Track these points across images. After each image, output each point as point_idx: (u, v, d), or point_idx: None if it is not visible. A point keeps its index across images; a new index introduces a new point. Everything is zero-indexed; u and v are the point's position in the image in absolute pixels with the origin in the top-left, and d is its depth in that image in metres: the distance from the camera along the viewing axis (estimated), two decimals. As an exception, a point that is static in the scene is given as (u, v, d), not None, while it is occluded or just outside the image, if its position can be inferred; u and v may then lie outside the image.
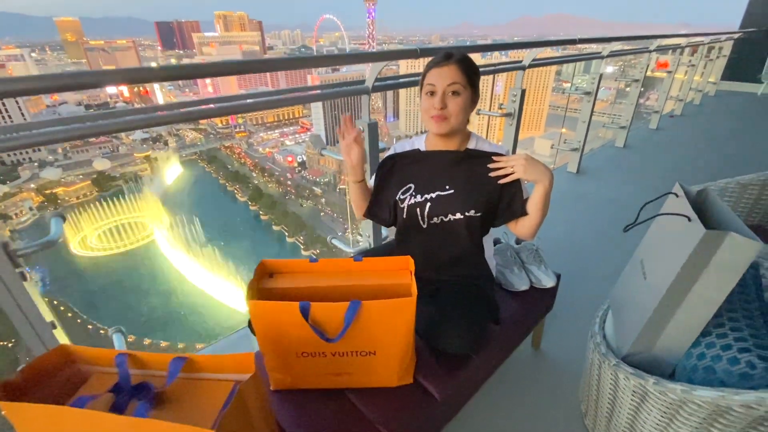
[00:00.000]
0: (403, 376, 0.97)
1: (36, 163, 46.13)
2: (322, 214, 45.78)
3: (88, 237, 36.84)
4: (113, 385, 0.67)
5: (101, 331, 27.35)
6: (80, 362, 0.73)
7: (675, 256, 0.85)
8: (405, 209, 1.14)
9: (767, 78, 6.51)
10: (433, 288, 1.14)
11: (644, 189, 3.21)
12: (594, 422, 1.19)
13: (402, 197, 1.15)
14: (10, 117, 48.53)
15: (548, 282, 1.34)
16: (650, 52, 4.06)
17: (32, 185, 42.92)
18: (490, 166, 1.08)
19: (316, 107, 62.51)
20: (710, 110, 6.05)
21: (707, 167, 3.76)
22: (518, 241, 1.50)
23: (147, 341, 26.82)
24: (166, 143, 56.45)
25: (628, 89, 4.30)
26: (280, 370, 0.93)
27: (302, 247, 40.87)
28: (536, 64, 2.60)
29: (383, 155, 1.25)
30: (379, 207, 1.21)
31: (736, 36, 6.40)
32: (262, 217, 44.98)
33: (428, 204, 1.11)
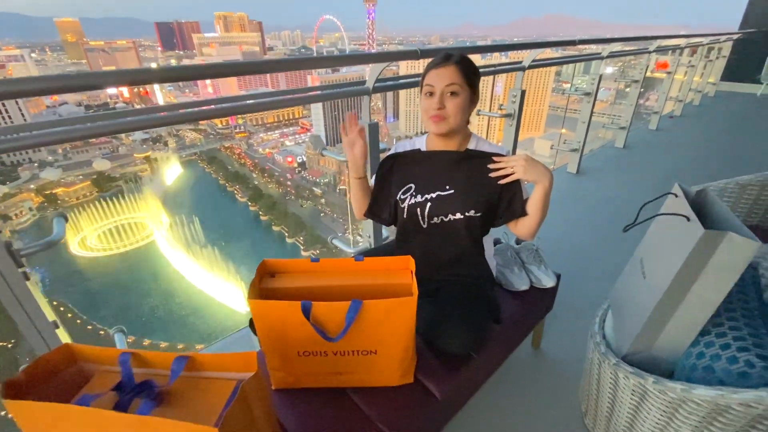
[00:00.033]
0: (404, 376, 0.97)
1: (36, 164, 46.14)
2: (322, 214, 45.79)
3: (87, 237, 36.84)
4: (116, 384, 0.68)
5: (101, 332, 27.33)
6: (83, 361, 0.73)
7: (674, 255, 0.86)
8: (405, 209, 1.14)
9: (767, 79, 6.52)
10: (433, 288, 1.14)
11: (644, 189, 3.22)
12: (594, 421, 1.19)
13: (402, 197, 1.15)
14: (10, 117, 48.56)
15: (548, 282, 1.35)
16: (650, 52, 4.06)
17: (32, 186, 42.92)
18: (491, 166, 1.08)
19: (316, 108, 62.53)
20: (710, 111, 6.06)
21: (707, 168, 3.77)
22: (518, 241, 1.50)
23: (146, 342, 26.80)
24: (166, 144, 56.47)
25: (627, 90, 4.31)
26: (282, 370, 0.93)
27: (302, 247, 40.87)
28: (536, 65, 2.61)
29: (384, 155, 1.25)
30: (379, 206, 1.22)
31: (735, 37, 6.41)
32: (262, 218, 44.98)
33: (428, 204, 1.11)
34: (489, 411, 1.33)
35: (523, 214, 1.09)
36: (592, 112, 3.41)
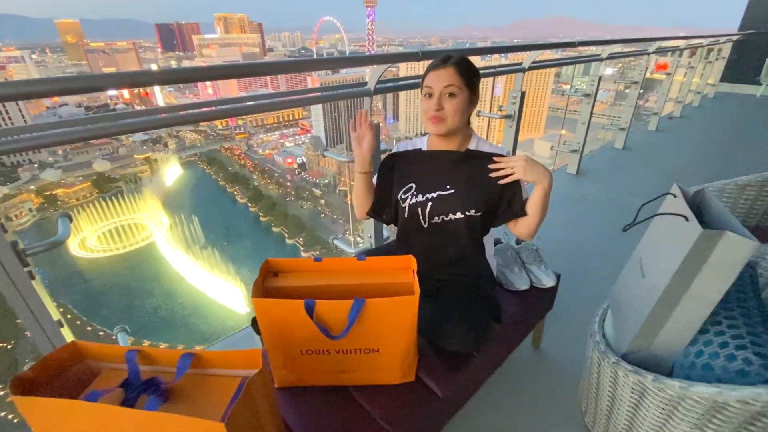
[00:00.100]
0: (406, 374, 0.98)
1: (36, 165, 46.15)
2: (322, 215, 45.80)
3: (87, 238, 36.84)
4: (123, 381, 0.68)
5: (100, 333, 27.32)
6: (90, 359, 0.74)
7: (673, 255, 0.87)
8: (406, 208, 1.15)
9: (766, 80, 6.53)
10: (434, 287, 1.15)
11: (643, 190, 3.23)
12: (594, 420, 1.20)
13: (403, 197, 1.16)
14: (10, 119, 48.60)
15: (548, 282, 1.36)
16: (649, 54, 4.08)
17: (32, 187, 42.92)
18: (491, 166, 1.09)
19: (316, 109, 62.62)
20: (709, 112, 6.08)
21: (706, 169, 3.78)
22: (518, 241, 1.51)
23: (146, 343, 26.77)
24: (166, 145, 56.50)
25: (627, 91, 4.32)
26: (285, 368, 0.94)
27: (302, 248, 40.88)
28: (536, 66, 2.62)
29: (384, 155, 1.27)
30: (380, 205, 1.23)
31: (735, 38, 6.43)
32: (262, 219, 45.01)
33: (429, 203, 1.13)
34: (489, 409, 1.34)
35: (523, 214, 1.10)
36: (591, 114, 3.42)
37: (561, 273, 1.43)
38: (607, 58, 3.43)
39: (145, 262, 35.88)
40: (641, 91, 4.14)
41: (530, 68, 2.56)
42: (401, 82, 1.92)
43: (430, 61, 1.14)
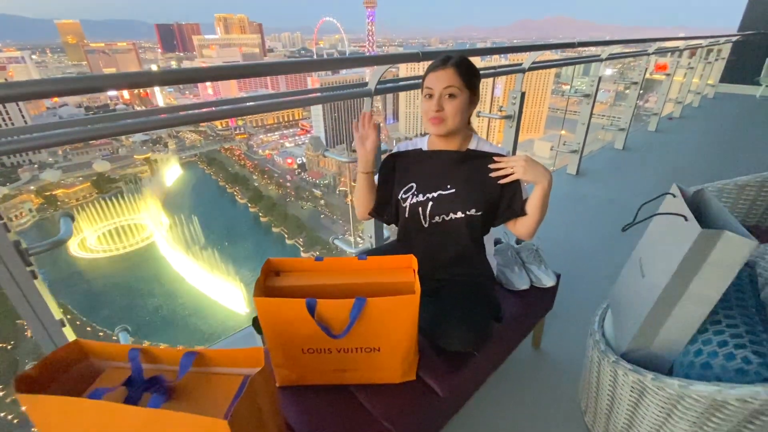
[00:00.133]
0: (407, 373, 0.99)
1: (36, 165, 46.14)
2: (322, 216, 45.81)
3: (87, 239, 36.84)
4: (126, 379, 0.69)
5: (100, 333, 27.31)
6: (93, 357, 0.75)
7: (672, 254, 0.87)
8: (407, 208, 1.16)
9: (766, 80, 6.54)
10: (434, 287, 1.16)
11: (643, 191, 3.23)
12: (594, 419, 1.21)
13: (404, 196, 1.17)
14: (11, 119, 48.61)
15: (548, 281, 1.36)
16: (649, 54, 4.09)
17: (32, 187, 42.92)
18: (491, 166, 1.10)
19: (316, 109, 62.68)
20: (709, 112, 6.09)
21: (706, 169, 3.79)
22: (518, 241, 1.52)
23: (146, 343, 26.66)
24: (165, 145, 56.51)
25: (627, 92, 4.33)
26: (286, 367, 0.95)
27: (302, 249, 40.88)
28: (536, 66, 2.63)
29: (384, 156, 1.27)
30: (381, 205, 1.23)
31: (734, 39, 6.44)
32: (262, 219, 45.01)
33: (430, 203, 1.13)
34: (490, 409, 1.34)
35: (523, 213, 1.11)
36: (591, 114, 3.43)
37: (561, 273, 1.44)
38: (606, 59, 3.43)
39: (145, 263, 35.87)
40: (641, 91, 4.15)
41: (530, 69, 2.57)
42: (401, 83, 1.92)
43: (430, 62, 1.14)
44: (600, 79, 3.41)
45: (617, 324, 1.10)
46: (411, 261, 0.97)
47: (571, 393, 1.39)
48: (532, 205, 1.08)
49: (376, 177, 1.25)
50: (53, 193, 43.12)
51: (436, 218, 1.13)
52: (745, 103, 6.48)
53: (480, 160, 1.12)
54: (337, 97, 1.77)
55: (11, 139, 1.02)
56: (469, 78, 1.08)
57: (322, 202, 47.65)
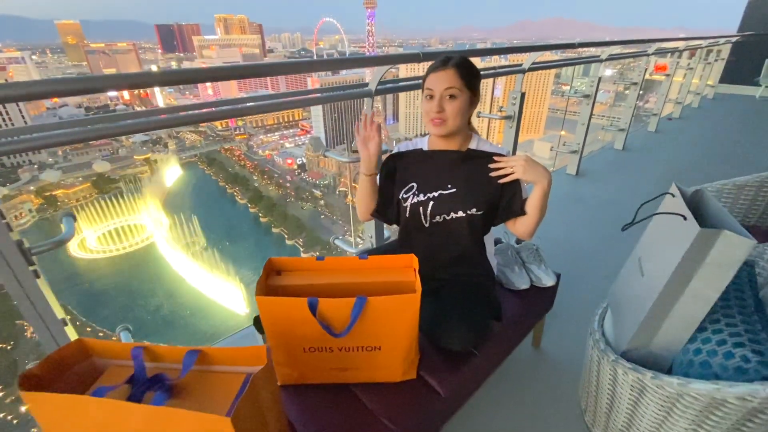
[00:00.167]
0: (407, 372, 0.99)
1: (36, 166, 46.13)
2: (322, 216, 45.81)
3: (87, 239, 36.83)
4: (129, 377, 0.70)
5: (100, 333, 27.29)
6: (96, 356, 0.75)
7: (671, 253, 0.88)
8: (408, 208, 1.16)
9: (765, 81, 6.56)
10: (435, 286, 1.16)
11: (643, 191, 3.24)
12: (593, 418, 1.21)
13: (405, 196, 1.17)
14: (10, 119, 48.63)
15: (548, 281, 1.37)
16: (648, 55, 4.10)
17: (32, 187, 42.92)
18: (491, 166, 1.11)
19: (316, 110, 62.71)
20: (708, 113, 6.10)
21: (706, 169, 3.79)
22: (518, 241, 1.52)
23: (146, 344, 26.75)
24: (166, 146, 56.53)
25: (626, 92, 4.34)
26: (287, 365, 0.95)
27: (302, 249, 40.88)
28: (536, 67, 2.63)
29: (385, 156, 1.28)
30: (383, 206, 1.24)
31: (734, 39, 6.45)
32: (262, 220, 45.01)
33: (431, 203, 1.14)
34: (490, 408, 1.35)
35: (522, 213, 1.11)
36: (591, 114, 3.44)
37: (561, 273, 1.44)
38: (606, 59, 3.44)
39: (145, 263, 35.87)
40: (641, 92, 4.16)
41: (530, 69, 2.58)
42: (402, 83, 1.93)
43: (430, 63, 1.15)
44: (600, 79, 3.42)
45: (617, 323, 1.11)
46: (412, 260, 0.98)
47: (571, 392, 1.40)
48: (532, 205, 1.08)
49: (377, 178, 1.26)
50: (53, 193, 43.12)
51: (437, 218, 1.14)
52: (744, 104, 6.49)
53: (480, 159, 1.13)
54: (338, 98, 1.77)
55: (11, 140, 1.02)
56: (470, 79, 1.08)
57: (322, 202, 47.65)
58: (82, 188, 44.78)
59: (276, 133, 65.92)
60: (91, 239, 37.01)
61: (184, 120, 1.45)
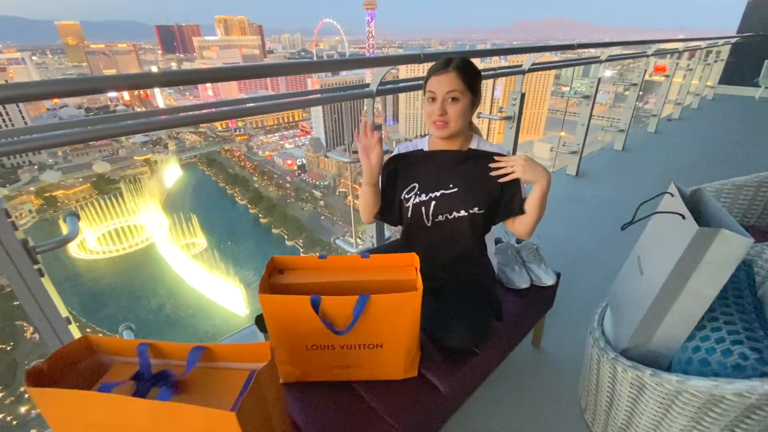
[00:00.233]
0: (409, 369, 1.00)
1: (36, 166, 46.12)
2: (322, 217, 45.81)
3: (87, 240, 36.82)
4: (134, 374, 0.70)
5: (100, 334, 27.27)
6: (102, 352, 0.76)
7: (670, 252, 0.89)
8: (410, 208, 1.17)
9: (765, 82, 6.57)
10: (436, 285, 1.17)
11: (642, 191, 3.23)
12: (593, 416, 1.22)
13: (406, 197, 1.18)
14: (11, 120, 48.66)
15: (548, 280, 1.38)
16: (648, 56, 4.11)
17: (32, 188, 42.90)
18: (491, 165, 1.11)
19: (316, 111, 62.78)
20: (708, 114, 6.11)
21: (705, 170, 3.80)
22: (519, 241, 1.53)
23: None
24: (166, 146, 56.54)
25: (626, 93, 4.35)
26: (290, 363, 0.96)
27: (302, 250, 40.86)
28: (536, 68, 2.64)
29: (386, 157, 1.28)
30: (386, 208, 1.24)
31: (733, 40, 6.47)
32: (262, 220, 45.02)
33: (433, 203, 1.15)
34: (491, 406, 1.36)
35: (521, 212, 1.12)
36: (591, 115, 3.45)
37: (561, 272, 1.45)
38: (606, 60, 3.45)
39: (145, 264, 35.86)
40: (640, 93, 4.17)
41: (530, 70, 2.59)
42: (402, 84, 1.94)
43: (431, 63, 1.15)
44: (599, 80, 3.43)
45: (616, 321, 1.12)
46: (413, 259, 0.99)
47: (571, 391, 1.40)
48: (531, 204, 1.09)
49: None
50: (53, 194, 43.11)
51: (439, 217, 1.15)
52: (744, 105, 6.50)
53: (481, 159, 1.14)
54: (340, 98, 1.78)
55: (11, 140, 1.03)
56: (472, 81, 1.09)
57: (322, 203, 47.65)
58: (82, 189, 44.79)
59: (276, 134, 65.94)
60: (91, 240, 36.99)
61: (184, 121, 1.46)
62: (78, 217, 1.16)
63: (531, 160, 1.07)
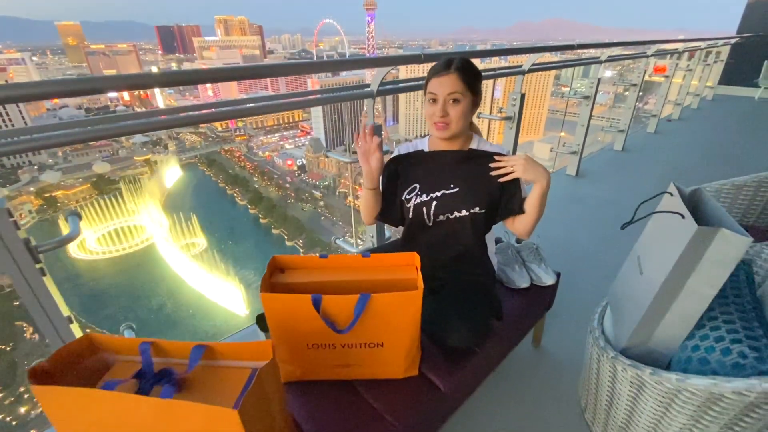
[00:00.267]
0: (409, 368, 1.00)
1: (36, 167, 46.11)
2: (322, 218, 45.81)
3: (86, 240, 36.80)
4: (137, 372, 0.71)
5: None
6: (104, 351, 0.77)
7: (669, 251, 0.89)
8: (411, 209, 1.18)
9: (764, 82, 6.58)
10: (437, 285, 1.17)
11: (642, 191, 3.22)
12: (593, 416, 1.22)
13: (408, 197, 1.19)
14: (11, 120, 48.67)
15: (548, 279, 1.38)
16: (648, 56, 4.12)
17: (32, 189, 42.90)
18: (492, 165, 1.12)
19: (316, 111, 62.83)
20: (708, 114, 6.12)
21: (704, 170, 3.81)
22: (519, 240, 1.54)
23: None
24: (166, 147, 56.54)
25: (626, 93, 4.36)
26: (291, 362, 0.97)
27: (302, 250, 40.87)
28: (536, 68, 2.65)
29: (386, 158, 1.28)
30: (388, 209, 1.24)
31: (733, 41, 6.48)
32: (262, 221, 45.02)
33: (434, 203, 1.15)
34: (491, 406, 1.36)
35: (521, 211, 1.13)
36: (591, 116, 3.45)
37: (561, 272, 1.46)
38: (606, 61, 3.46)
39: (145, 264, 35.85)
40: (640, 93, 4.18)
41: (530, 70, 2.59)
42: (403, 84, 1.94)
43: (432, 63, 1.16)
44: (599, 80, 3.44)
45: (616, 321, 1.12)
46: (414, 258, 0.99)
47: (571, 390, 1.41)
48: (531, 204, 1.10)
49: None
50: (53, 194, 43.10)
51: (440, 217, 1.15)
52: (743, 105, 6.51)
53: (481, 159, 1.14)
54: (341, 99, 1.78)
55: (11, 140, 1.03)
56: (472, 82, 1.09)
57: (322, 203, 47.65)
58: (81, 189, 44.78)
59: (276, 135, 65.94)
60: (91, 240, 36.98)
61: (184, 121, 1.46)
62: (79, 217, 1.17)
63: (531, 160, 1.07)
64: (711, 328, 0.92)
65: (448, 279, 1.19)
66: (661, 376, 0.87)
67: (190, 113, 1.49)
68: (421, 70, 1.47)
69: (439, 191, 1.15)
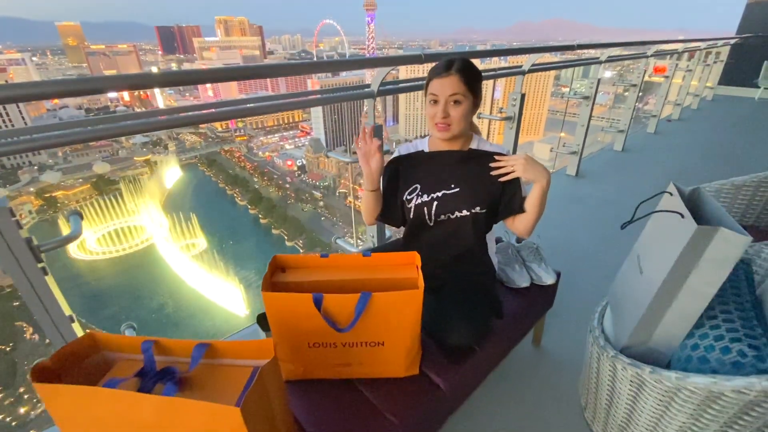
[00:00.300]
0: (410, 367, 1.01)
1: (36, 167, 46.14)
2: (322, 218, 45.82)
3: (86, 240, 36.81)
4: (139, 370, 0.71)
5: (100, 335, 27.25)
6: (106, 349, 0.77)
7: (669, 251, 0.89)
8: (412, 209, 1.18)
9: (764, 83, 6.58)
10: (438, 284, 1.18)
11: (642, 191, 3.22)
12: (593, 415, 1.23)
13: (408, 197, 1.19)
14: (11, 120, 48.68)
15: (548, 279, 1.38)
16: (648, 57, 4.12)
17: (32, 189, 42.92)
18: (492, 164, 1.12)
19: (316, 111, 62.91)
20: (707, 114, 6.12)
21: (704, 170, 3.81)
22: (519, 240, 1.54)
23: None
24: (166, 147, 56.58)
25: (626, 94, 4.36)
26: (292, 361, 0.97)
27: (302, 250, 40.88)
28: (536, 69, 2.65)
29: (386, 158, 1.29)
30: (389, 210, 1.25)
31: (733, 41, 6.48)
32: (262, 221, 45.04)
33: (435, 203, 1.15)
34: (491, 405, 1.36)
35: (521, 211, 1.13)
36: (590, 116, 3.46)
37: (561, 271, 1.46)
38: (605, 61, 3.46)
39: (145, 265, 35.87)
40: (640, 93, 4.18)
41: (530, 71, 2.60)
42: (403, 84, 1.95)
43: (432, 63, 1.16)
44: (599, 81, 3.44)
45: (616, 320, 1.12)
46: (414, 257, 0.99)
47: (571, 389, 1.41)
48: (531, 203, 1.10)
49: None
50: (53, 194, 43.13)
51: (442, 217, 1.16)
52: (743, 106, 6.51)
53: (482, 158, 1.15)
54: (341, 99, 1.79)
55: (11, 140, 1.03)
56: (473, 83, 1.10)
57: (322, 204, 47.67)
58: (82, 189, 44.82)
59: (276, 135, 65.97)
60: (91, 240, 36.99)
61: (184, 121, 1.46)
62: (81, 217, 1.17)
63: (531, 160, 1.07)
64: (710, 327, 0.92)
65: (448, 278, 1.19)
66: (660, 375, 0.88)
67: (190, 113, 1.50)
68: (422, 70, 1.47)
69: (439, 191, 1.16)
